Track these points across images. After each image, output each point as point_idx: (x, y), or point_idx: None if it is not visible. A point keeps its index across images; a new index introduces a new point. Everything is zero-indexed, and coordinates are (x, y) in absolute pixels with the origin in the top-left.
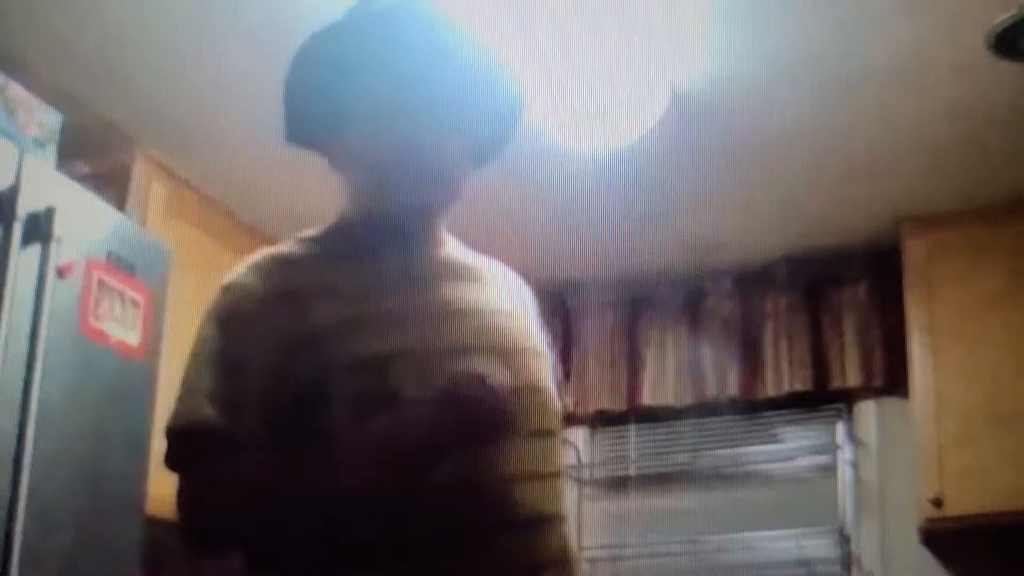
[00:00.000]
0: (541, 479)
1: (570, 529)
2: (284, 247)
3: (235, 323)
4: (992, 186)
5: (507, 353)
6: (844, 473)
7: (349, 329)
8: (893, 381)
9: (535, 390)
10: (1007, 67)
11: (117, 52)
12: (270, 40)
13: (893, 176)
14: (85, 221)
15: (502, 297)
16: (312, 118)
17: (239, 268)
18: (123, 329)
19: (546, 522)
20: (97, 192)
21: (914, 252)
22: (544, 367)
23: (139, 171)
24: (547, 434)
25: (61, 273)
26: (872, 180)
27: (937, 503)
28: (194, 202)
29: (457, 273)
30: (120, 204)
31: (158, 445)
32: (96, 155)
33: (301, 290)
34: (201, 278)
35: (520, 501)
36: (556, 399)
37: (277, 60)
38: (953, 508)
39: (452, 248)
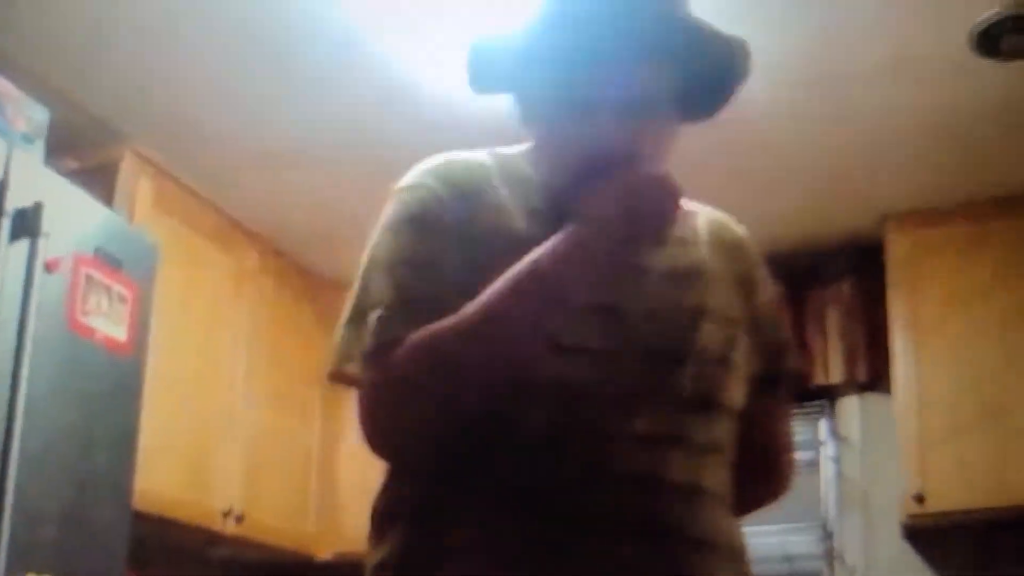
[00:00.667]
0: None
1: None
2: (471, 155)
3: (426, 221)
4: (975, 183)
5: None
6: (827, 469)
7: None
8: (876, 377)
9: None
10: (989, 65)
11: (105, 48)
12: (258, 37)
13: (876, 173)
14: (73, 216)
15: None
16: (500, 60)
17: (414, 172)
18: (110, 324)
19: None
20: (85, 188)
21: (897, 249)
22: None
23: (127, 167)
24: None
25: (49, 268)
26: (855, 177)
27: (919, 499)
28: (181, 198)
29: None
30: (108, 200)
31: (145, 440)
32: (84, 151)
33: (483, 193)
34: (188, 273)
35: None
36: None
37: (264, 57)
38: (935, 504)
39: None
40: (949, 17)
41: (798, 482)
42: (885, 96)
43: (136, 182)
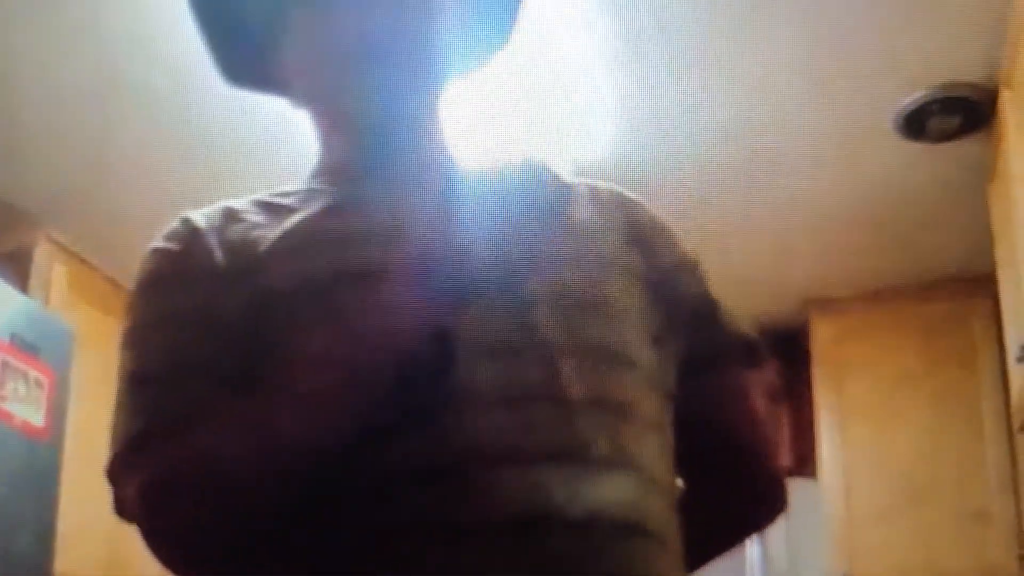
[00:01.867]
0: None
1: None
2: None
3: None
4: (900, 267)
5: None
6: (752, 551)
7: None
8: (802, 461)
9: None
10: (915, 148)
11: (17, 135)
12: (170, 121)
13: (799, 258)
14: None
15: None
16: (241, 41)
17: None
18: (28, 410)
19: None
20: None
21: (821, 334)
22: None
23: (41, 252)
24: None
25: None
26: (779, 263)
27: None
28: (97, 283)
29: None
30: (23, 285)
31: (64, 524)
32: None
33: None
34: (105, 358)
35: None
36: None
37: (178, 141)
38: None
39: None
40: (875, 100)
41: (723, 562)
42: (809, 181)
43: (51, 267)
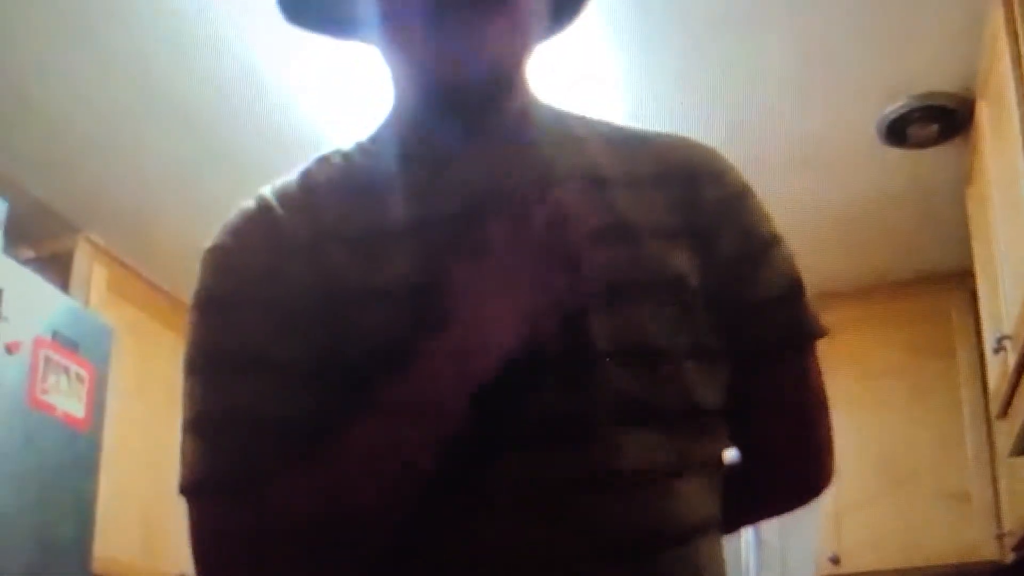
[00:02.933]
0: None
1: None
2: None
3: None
4: (885, 266)
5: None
6: (747, 534)
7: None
8: None
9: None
10: (896, 154)
11: (59, 144)
12: (202, 134)
13: (795, 255)
14: (31, 302)
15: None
16: None
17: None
18: (69, 402)
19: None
20: (42, 275)
21: None
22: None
23: (81, 255)
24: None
25: (9, 350)
26: None
27: (835, 561)
28: (134, 283)
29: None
30: (64, 286)
31: (103, 510)
32: (41, 241)
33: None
34: (142, 353)
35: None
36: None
37: (208, 153)
38: (849, 566)
39: (548, 118)
40: (860, 109)
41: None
42: (798, 184)
43: (90, 269)
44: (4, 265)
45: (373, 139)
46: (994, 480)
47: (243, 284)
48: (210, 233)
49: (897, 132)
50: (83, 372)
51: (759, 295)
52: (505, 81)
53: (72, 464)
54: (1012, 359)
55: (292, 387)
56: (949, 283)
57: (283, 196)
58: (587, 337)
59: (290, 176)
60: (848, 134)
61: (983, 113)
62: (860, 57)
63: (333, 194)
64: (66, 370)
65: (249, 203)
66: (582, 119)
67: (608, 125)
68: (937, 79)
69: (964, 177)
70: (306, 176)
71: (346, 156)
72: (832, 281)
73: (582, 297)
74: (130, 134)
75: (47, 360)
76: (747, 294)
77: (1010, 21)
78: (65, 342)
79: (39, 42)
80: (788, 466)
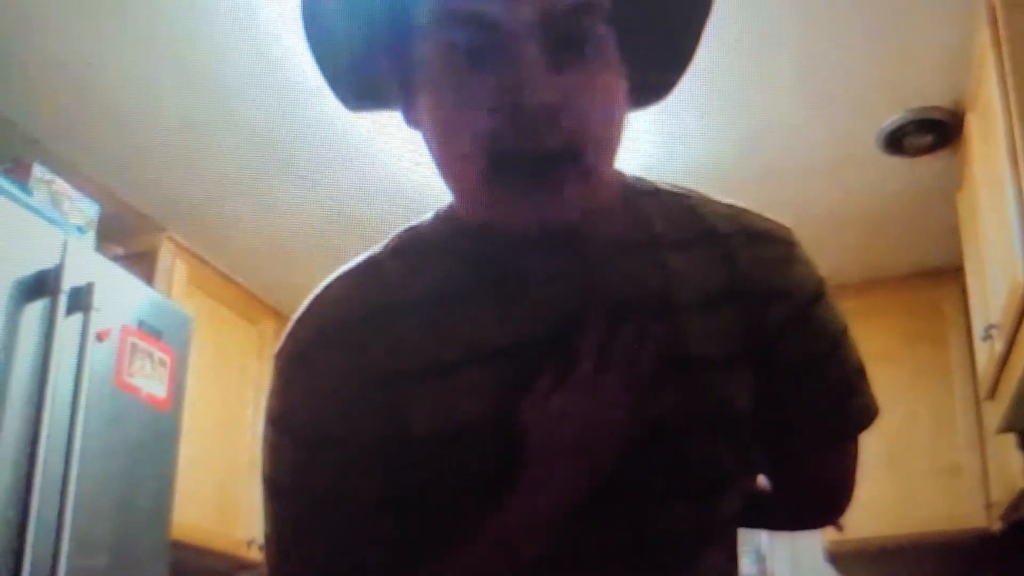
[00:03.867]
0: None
1: None
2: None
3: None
4: (884, 262)
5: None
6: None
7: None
8: None
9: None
10: (894, 162)
11: (146, 153)
12: (274, 140)
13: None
14: (119, 294)
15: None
16: (360, 66)
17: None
18: (152, 384)
19: None
20: (129, 269)
21: None
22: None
23: (165, 252)
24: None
25: (99, 338)
26: None
27: (839, 528)
28: (212, 278)
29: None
30: (149, 280)
31: (181, 481)
32: (128, 239)
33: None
34: (218, 340)
35: None
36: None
37: (277, 160)
38: (853, 532)
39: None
40: (860, 120)
41: None
42: (806, 189)
43: (173, 265)
44: (96, 261)
45: (433, 241)
46: (983, 455)
47: (320, 418)
48: (276, 233)
49: (895, 142)
50: (165, 357)
51: (825, 394)
52: (585, 218)
53: (154, 440)
54: (999, 346)
55: (374, 517)
56: (942, 278)
57: (358, 309)
58: (645, 472)
59: (362, 274)
60: (850, 143)
61: (972, 125)
62: (861, 75)
63: (405, 316)
64: (150, 355)
65: (318, 311)
66: (660, 199)
67: (680, 205)
68: (931, 94)
69: (955, 183)
70: (376, 282)
71: (412, 260)
72: (836, 276)
73: (647, 432)
74: (209, 144)
75: (133, 346)
76: (812, 394)
77: (996, 42)
78: (149, 330)
79: (132, 62)
80: (817, 512)
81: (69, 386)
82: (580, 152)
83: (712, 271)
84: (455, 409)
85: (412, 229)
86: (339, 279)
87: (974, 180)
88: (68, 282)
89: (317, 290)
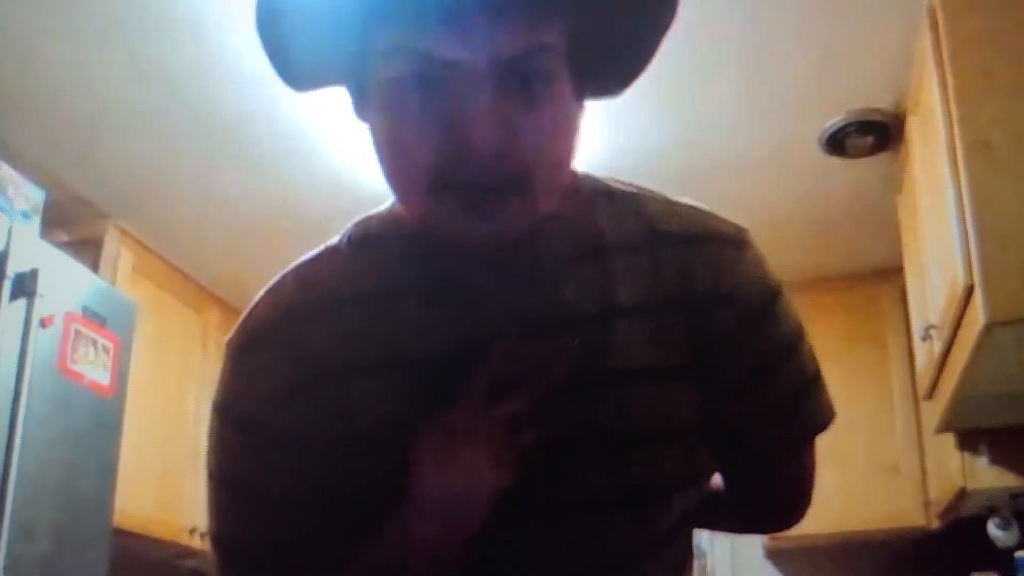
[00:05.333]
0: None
1: None
2: (313, 262)
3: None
4: (825, 261)
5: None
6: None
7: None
8: None
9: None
10: (836, 163)
11: (94, 142)
12: (223, 132)
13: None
14: (64, 280)
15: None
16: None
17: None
18: (96, 371)
19: None
20: (74, 256)
21: None
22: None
23: (110, 239)
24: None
25: (43, 324)
26: None
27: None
28: (157, 265)
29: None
30: (94, 267)
31: (124, 468)
32: (74, 226)
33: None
34: (162, 328)
35: None
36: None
37: (228, 149)
38: (792, 531)
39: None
40: (803, 123)
41: None
42: (749, 188)
43: (118, 252)
44: (41, 247)
45: (383, 237)
46: (921, 454)
47: (260, 407)
48: (222, 222)
49: (836, 143)
50: (109, 344)
51: (777, 400)
52: (532, 227)
53: (97, 427)
54: (937, 347)
55: (287, 518)
56: (881, 278)
57: (304, 301)
58: (565, 487)
59: (310, 270)
60: (792, 144)
61: (913, 128)
62: (804, 77)
63: (350, 310)
64: (94, 342)
65: (271, 302)
66: (613, 201)
67: (631, 207)
68: (872, 97)
69: (895, 184)
70: (323, 275)
71: (363, 254)
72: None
73: (569, 447)
74: (155, 132)
75: (77, 333)
76: (764, 402)
77: (936, 46)
78: (93, 317)
79: (79, 50)
80: (774, 516)
81: (12, 372)
82: (525, 185)
83: (657, 277)
84: (362, 411)
85: (368, 220)
86: (294, 269)
87: (914, 182)
88: (12, 268)
89: (274, 279)
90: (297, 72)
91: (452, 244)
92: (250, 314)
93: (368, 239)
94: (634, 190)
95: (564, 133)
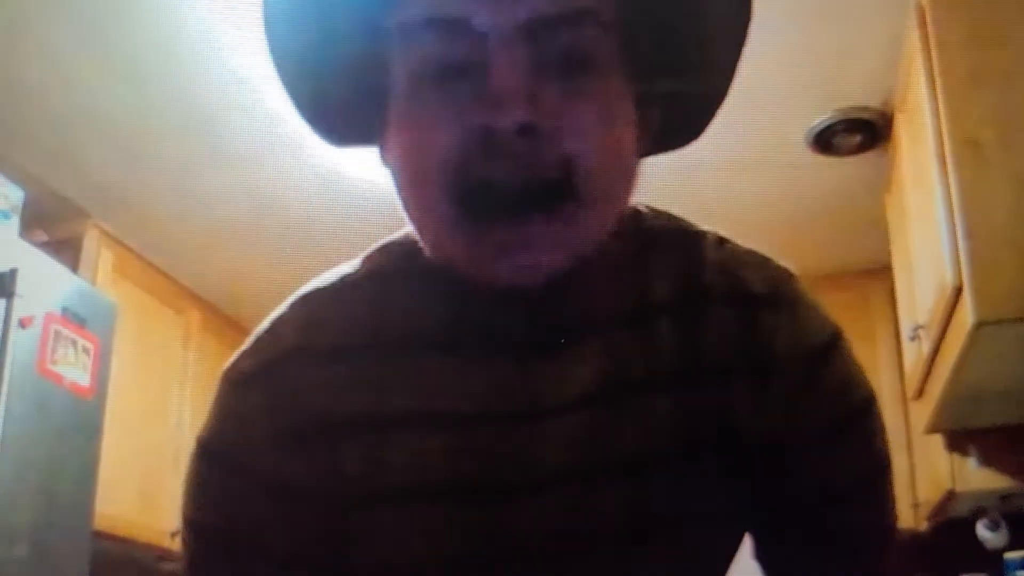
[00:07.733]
0: None
1: None
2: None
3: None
4: (810, 260)
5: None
6: None
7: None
8: None
9: None
10: (823, 161)
11: (73, 142)
12: (202, 130)
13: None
14: (43, 281)
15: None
16: (331, 103)
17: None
18: (76, 372)
19: None
20: (54, 256)
21: None
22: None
23: (90, 239)
24: None
25: (22, 324)
26: None
27: None
28: (138, 265)
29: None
30: (74, 267)
31: (104, 471)
32: (53, 225)
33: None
34: (143, 329)
35: None
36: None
37: (207, 147)
38: None
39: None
40: (791, 120)
41: None
42: (737, 186)
43: (98, 252)
44: (20, 247)
45: (401, 272)
46: (910, 455)
47: (251, 453)
48: (203, 222)
49: (824, 142)
50: (89, 345)
51: (833, 485)
52: (571, 263)
53: (77, 428)
54: (926, 347)
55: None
56: (869, 277)
57: (306, 346)
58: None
59: (318, 305)
60: (780, 142)
61: (901, 126)
62: (792, 74)
63: (350, 360)
64: (74, 343)
65: (270, 340)
66: (663, 245)
67: (681, 255)
68: (860, 95)
69: (883, 183)
70: (332, 313)
71: (380, 291)
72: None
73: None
74: (135, 132)
75: (56, 334)
76: (816, 482)
77: (925, 45)
78: (73, 317)
79: (56, 45)
80: None
81: None
82: (572, 185)
83: (703, 342)
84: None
85: (389, 249)
86: (303, 300)
87: (902, 181)
88: None
89: (281, 308)
90: (327, 114)
91: (474, 286)
92: (250, 348)
93: (388, 275)
94: (690, 231)
95: (613, 133)
